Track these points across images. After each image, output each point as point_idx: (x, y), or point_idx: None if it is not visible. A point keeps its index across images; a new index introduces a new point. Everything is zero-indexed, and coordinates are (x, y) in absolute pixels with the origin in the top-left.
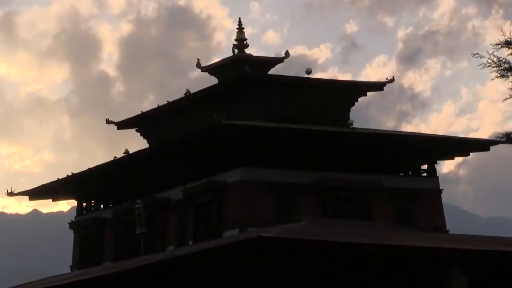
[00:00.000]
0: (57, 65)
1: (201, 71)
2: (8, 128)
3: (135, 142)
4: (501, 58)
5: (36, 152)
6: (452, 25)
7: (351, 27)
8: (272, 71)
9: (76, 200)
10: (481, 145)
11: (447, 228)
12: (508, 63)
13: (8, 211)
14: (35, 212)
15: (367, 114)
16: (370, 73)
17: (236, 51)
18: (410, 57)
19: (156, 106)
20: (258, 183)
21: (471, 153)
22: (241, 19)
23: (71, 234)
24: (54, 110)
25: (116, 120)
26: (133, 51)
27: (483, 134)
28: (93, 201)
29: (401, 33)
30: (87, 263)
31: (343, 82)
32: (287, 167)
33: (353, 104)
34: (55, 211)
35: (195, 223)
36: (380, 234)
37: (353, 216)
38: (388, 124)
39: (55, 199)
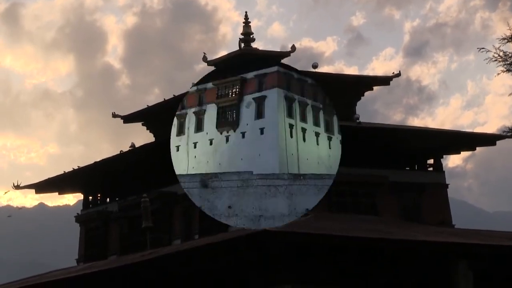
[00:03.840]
0: (62, 58)
1: (207, 65)
2: (14, 120)
3: (141, 135)
4: (507, 53)
5: (42, 145)
6: (459, 17)
7: (358, 20)
8: None
9: (82, 193)
10: (488, 139)
11: (453, 223)
12: None
13: (14, 204)
14: (41, 205)
15: (373, 108)
16: (376, 66)
17: (242, 45)
18: (417, 50)
19: (162, 100)
20: None
21: (477, 148)
22: (247, 13)
23: (77, 227)
24: (60, 102)
25: (122, 113)
26: (139, 43)
27: (490, 128)
28: (99, 195)
29: (407, 26)
30: (93, 257)
31: (350, 76)
32: None
33: (360, 98)
34: (61, 204)
35: (201, 217)
36: (386, 228)
37: (359, 210)
38: (395, 117)
39: (61, 192)
